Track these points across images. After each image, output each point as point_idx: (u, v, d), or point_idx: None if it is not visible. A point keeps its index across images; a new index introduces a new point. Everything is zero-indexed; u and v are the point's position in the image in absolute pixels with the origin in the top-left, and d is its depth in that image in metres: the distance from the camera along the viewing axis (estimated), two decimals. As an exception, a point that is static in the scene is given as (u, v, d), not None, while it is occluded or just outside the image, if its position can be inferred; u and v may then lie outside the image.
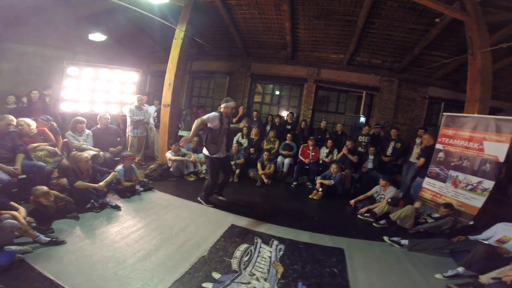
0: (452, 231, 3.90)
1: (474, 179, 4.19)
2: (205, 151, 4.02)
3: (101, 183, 3.79)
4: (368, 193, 4.96)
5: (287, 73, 8.32)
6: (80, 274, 2.36)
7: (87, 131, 4.81)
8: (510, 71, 6.52)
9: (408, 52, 6.81)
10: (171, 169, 5.48)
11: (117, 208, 3.74)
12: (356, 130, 7.69)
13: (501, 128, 4.01)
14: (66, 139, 4.70)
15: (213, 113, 3.85)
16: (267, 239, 3.36)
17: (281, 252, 3.11)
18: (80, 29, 7.40)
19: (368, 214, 4.48)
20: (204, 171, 5.63)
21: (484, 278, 2.62)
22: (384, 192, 4.77)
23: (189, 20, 6.04)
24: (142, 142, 6.11)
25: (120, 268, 2.49)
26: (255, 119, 7.25)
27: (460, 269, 2.94)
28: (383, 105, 7.70)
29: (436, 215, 4.26)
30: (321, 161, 6.21)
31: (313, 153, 6.21)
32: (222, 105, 3.97)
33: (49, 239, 2.69)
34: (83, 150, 4.36)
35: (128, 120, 5.77)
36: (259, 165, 5.88)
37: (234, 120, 6.78)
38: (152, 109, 7.02)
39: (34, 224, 2.81)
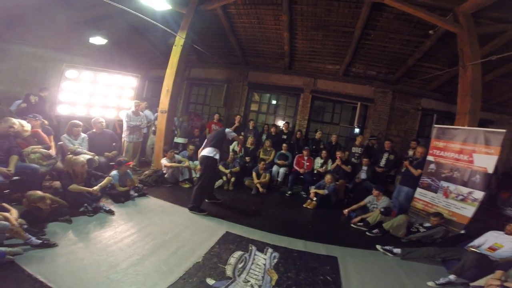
0: (444, 240, 3.96)
1: (465, 190, 4.28)
2: (216, 156, 4.29)
3: (95, 188, 3.77)
4: (362, 203, 5.01)
5: (284, 83, 8.44)
6: (71, 276, 2.34)
7: (83, 134, 4.78)
8: (501, 82, 6.68)
9: (402, 64, 6.97)
10: (166, 176, 5.46)
11: (111, 212, 3.70)
12: (351, 141, 7.69)
13: (490, 141, 4.12)
14: (61, 142, 4.67)
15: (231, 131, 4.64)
16: (261, 247, 3.36)
17: (276, 260, 3.12)
18: (81, 32, 7.45)
19: (361, 223, 4.53)
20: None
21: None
22: (377, 202, 4.83)
23: (190, 27, 6.12)
24: (137, 148, 6.08)
25: (112, 272, 2.47)
26: (251, 128, 7.29)
27: (452, 277, 3.01)
28: (377, 116, 7.83)
29: (428, 224, 4.32)
30: (315, 171, 6.27)
31: (308, 163, 6.27)
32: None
33: (40, 241, 2.66)
34: (78, 153, 4.33)
35: (124, 125, 5.74)
36: (254, 174, 5.91)
37: (232, 129, 6.82)
38: (148, 114, 6.99)
39: (25, 226, 2.78)
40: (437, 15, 5.02)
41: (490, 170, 4.05)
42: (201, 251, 3.04)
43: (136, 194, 4.46)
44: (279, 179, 6.34)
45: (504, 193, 5.99)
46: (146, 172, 5.43)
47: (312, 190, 5.49)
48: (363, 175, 5.89)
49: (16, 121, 3.85)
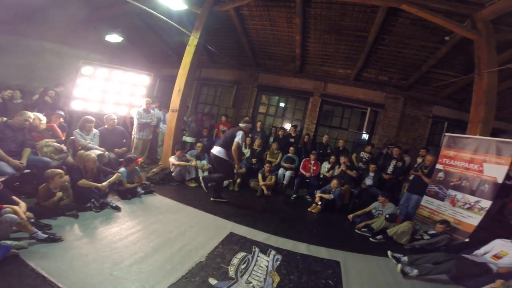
0: (448, 248, 3.91)
1: (472, 199, 4.22)
2: (228, 158, 4.71)
3: (104, 183, 3.85)
4: (367, 209, 4.97)
5: (293, 86, 8.42)
6: (74, 272, 2.35)
7: (95, 130, 4.89)
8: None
9: (416, 70, 6.85)
10: (173, 174, 5.53)
11: (117, 209, 3.77)
12: (358, 147, 7.66)
13: (501, 151, 4.04)
14: (73, 137, 4.79)
15: (240, 134, 4.64)
16: (264, 249, 3.37)
17: (278, 262, 3.12)
18: (98, 29, 7.61)
19: (365, 229, 4.50)
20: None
21: None
22: (383, 208, 4.79)
23: (204, 27, 6.20)
24: (146, 145, 6.19)
25: (116, 269, 2.50)
26: (258, 130, 7.30)
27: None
28: (387, 122, 7.73)
29: (433, 231, 4.26)
30: (322, 176, 6.23)
31: (314, 167, 6.25)
32: (243, 124, 4.79)
33: (46, 235, 2.69)
34: (88, 149, 4.44)
35: (135, 122, 5.87)
36: (260, 176, 5.92)
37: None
38: (157, 113, 7.06)
39: (32, 220, 2.83)
40: (454, 21, 4.89)
41: (500, 180, 3.98)
42: (205, 251, 3.07)
43: (142, 191, 4.52)
44: (284, 182, 6.32)
45: (511, 203, 5.89)
46: (154, 169, 5.51)
47: (318, 194, 5.46)
48: (369, 181, 5.83)
49: (32, 115, 3.94)
